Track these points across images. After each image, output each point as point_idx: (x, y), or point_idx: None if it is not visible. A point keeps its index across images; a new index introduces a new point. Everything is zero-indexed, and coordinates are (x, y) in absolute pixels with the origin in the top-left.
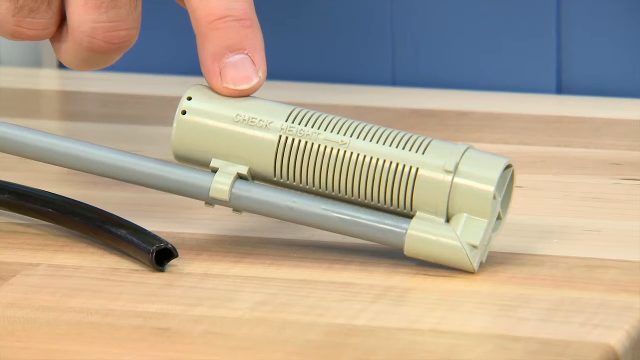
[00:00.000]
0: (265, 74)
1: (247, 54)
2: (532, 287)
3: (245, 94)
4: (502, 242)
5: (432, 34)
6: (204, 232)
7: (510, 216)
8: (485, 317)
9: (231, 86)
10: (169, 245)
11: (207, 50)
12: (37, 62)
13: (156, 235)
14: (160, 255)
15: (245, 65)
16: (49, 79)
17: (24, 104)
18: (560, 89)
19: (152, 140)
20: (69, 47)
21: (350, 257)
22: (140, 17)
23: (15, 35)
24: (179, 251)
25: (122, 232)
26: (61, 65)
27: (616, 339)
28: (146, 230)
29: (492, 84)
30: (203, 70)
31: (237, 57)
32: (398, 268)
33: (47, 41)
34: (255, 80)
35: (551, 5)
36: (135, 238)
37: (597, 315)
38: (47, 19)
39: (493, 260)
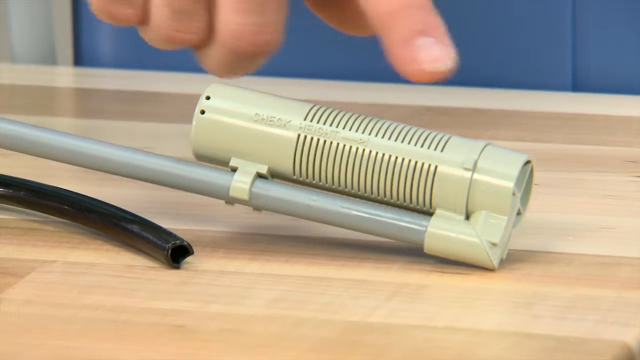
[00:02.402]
0: (455, 58)
1: (436, 37)
2: (547, 284)
3: (441, 77)
4: (517, 239)
5: (447, 31)
6: (220, 229)
7: (525, 214)
8: (500, 314)
9: (427, 68)
10: (185, 243)
11: (396, 38)
12: (52, 60)
13: (172, 233)
14: (176, 253)
15: (438, 47)
16: (64, 76)
17: (40, 101)
18: (576, 86)
19: (169, 137)
20: (214, 51)
21: (366, 254)
22: (284, 22)
23: (171, 39)
24: (194, 248)
25: (138, 229)
26: (76, 63)
27: (632, 336)
28: (162, 227)
29: (508, 82)
30: (393, 60)
31: (428, 40)
32: (413, 265)
33: (62, 38)
34: (449, 62)
35: (566, 3)
36: (150, 235)
37: (613, 313)
38: (203, 22)
39: (508, 258)
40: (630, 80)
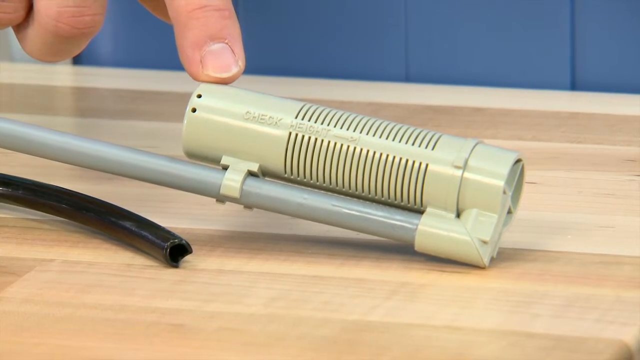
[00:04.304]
0: (244, 64)
1: (227, 43)
2: (546, 283)
3: (224, 82)
4: (516, 238)
5: (445, 30)
6: (218, 228)
7: (524, 212)
8: (499, 313)
9: (212, 74)
10: (183, 242)
11: (187, 38)
12: None
13: (170, 231)
14: (175, 252)
15: (225, 54)
16: (63, 75)
17: (39, 100)
18: (575, 85)
19: (168, 136)
20: (34, 33)
21: (364, 253)
22: (105, 4)
23: None
24: (193, 247)
25: (136, 228)
26: (76, 62)
27: (630, 335)
28: (160, 226)
29: (506, 80)
30: (182, 58)
31: (217, 46)
32: (412, 264)
33: None
34: (235, 70)
35: (565, 2)
36: (149, 234)
37: (611, 312)
38: (17, 2)
39: (507, 257)
40: (629, 79)
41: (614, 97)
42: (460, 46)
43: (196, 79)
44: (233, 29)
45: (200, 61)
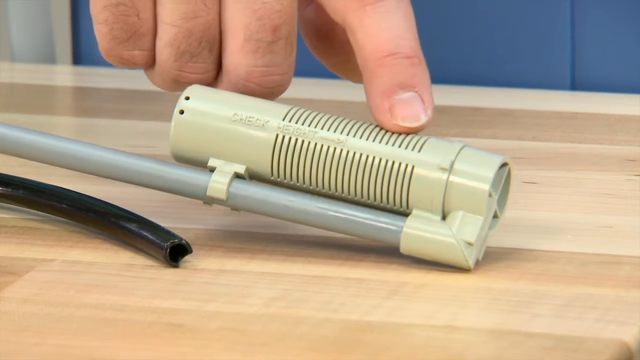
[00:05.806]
0: (433, 112)
1: (416, 91)
2: (546, 283)
3: (413, 132)
4: (516, 238)
5: (446, 29)
6: (218, 228)
7: (524, 212)
8: (499, 313)
9: (401, 123)
10: (183, 241)
11: (376, 86)
12: (51, 59)
13: (170, 231)
14: (175, 251)
15: (415, 103)
16: (63, 75)
17: (39, 100)
18: (575, 85)
19: (167, 136)
20: None
21: (364, 253)
22: (294, 63)
23: (177, 80)
24: (193, 247)
25: (136, 228)
26: (75, 61)
27: (630, 335)
28: (160, 226)
29: (507, 80)
30: (370, 105)
31: (407, 95)
32: (412, 264)
33: (61, 37)
34: (424, 119)
35: (565, 2)
36: (149, 234)
37: (611, 312)
38: (209, 63)
39: (507, 257)
40: (629, 79)
41: (614, 97)
42: (459, 46)
43: (385, 127)
44: (422, 76)
45: (390, 109)
